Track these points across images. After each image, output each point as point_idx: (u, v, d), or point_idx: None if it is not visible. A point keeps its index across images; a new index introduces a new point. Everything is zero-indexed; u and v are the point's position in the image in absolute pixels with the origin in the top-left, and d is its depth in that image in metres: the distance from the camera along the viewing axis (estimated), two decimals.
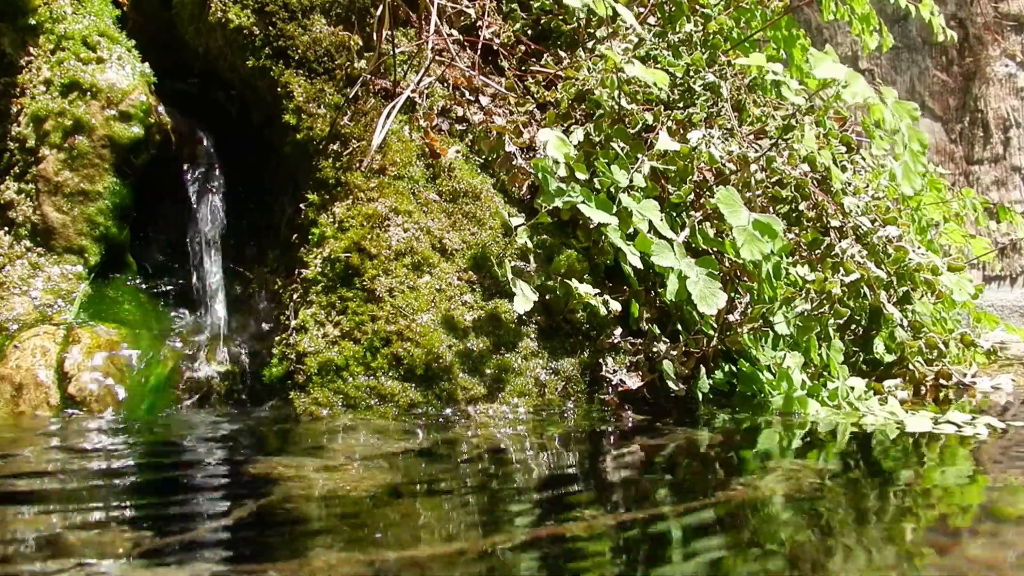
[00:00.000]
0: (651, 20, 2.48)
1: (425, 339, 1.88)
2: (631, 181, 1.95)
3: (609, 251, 2.05)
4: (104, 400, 1.90)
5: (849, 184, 2.38)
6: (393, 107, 2.05)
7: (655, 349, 1.97)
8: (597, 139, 2.09)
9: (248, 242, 2.37)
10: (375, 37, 2.14)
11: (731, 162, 2.10)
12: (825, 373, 2.07)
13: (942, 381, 2.22)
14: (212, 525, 1.12)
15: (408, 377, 1.87)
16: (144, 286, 2.29)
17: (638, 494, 1.30)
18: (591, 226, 2.02)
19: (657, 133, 2.05)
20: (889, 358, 2.23)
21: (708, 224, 2.01)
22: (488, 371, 1.90)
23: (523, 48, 2.46)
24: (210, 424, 1.82)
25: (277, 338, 2.02)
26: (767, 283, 2.01)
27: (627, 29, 2.32)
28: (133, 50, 2.31)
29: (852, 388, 2.00)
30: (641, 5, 2.47)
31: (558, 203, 1.85)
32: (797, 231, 2.21)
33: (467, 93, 2.28)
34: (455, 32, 2.35)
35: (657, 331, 2.01)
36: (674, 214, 2.06)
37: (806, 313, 2.00)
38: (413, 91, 2.12)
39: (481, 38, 2.33)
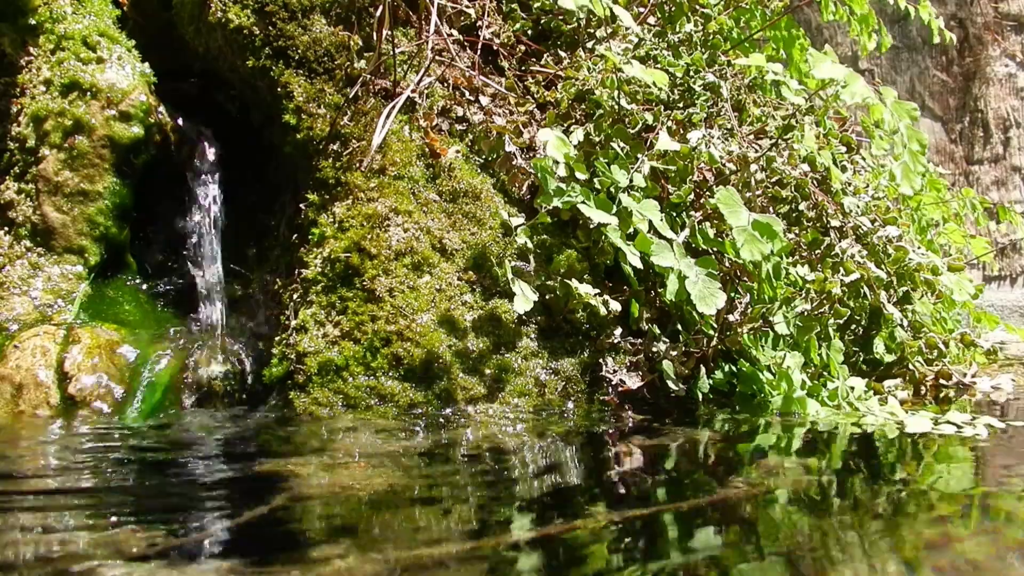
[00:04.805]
0: (651, 20, 2.48)
1: (425, 339, 1.88)
2: (631, 181, 1.95)
3: (609, 251, 2.05)
4: (104, 400, 1.90)
5: (849, 184, 2.38)
6: (393, 107, 2.05)
7: (655, 349, 1.97)
8: (597, 139, 2.09)
9: (248, 242, 2.37)
10: (375, 37, 2.14)
11: (731, 162, 2.10)
12: (825, 373, 2.07)
13: (942, 381, 2.22)
14: (226, 525, 1.11)
15: (408, 377, 1.87)
16: (144, 286, 2.29)
17: (638, 493, 1.30)
18: (591, 226, 2.02)
19: (657, 133, 2.05)
20: (889, 358, 2.23)
21: (708, 224, 2.01)
22: (488, 371, 1.90)
23: (523, 48, 2.46)
24: (211, 424, 1.82)
25: (277, 338, 2.02)
26: (767, 283, 2.01)
27: (627, 30, 2.31)
28: (133, 50, 2.31)
29: (852, 388, 2.00)
30: (641, 5, 2.47)
31: (558, 203, 1.85)
32: (797, 231, 2.21)
33: (467, 93, 2.28)
34: (455, 32, 2.35)
35: (657, 331, 2.01)
36: (674, 214, 2.06)
37: (806, 313, 2.00)
38: (413, 91, 2.12)
39: (481, 38, 2.33)
